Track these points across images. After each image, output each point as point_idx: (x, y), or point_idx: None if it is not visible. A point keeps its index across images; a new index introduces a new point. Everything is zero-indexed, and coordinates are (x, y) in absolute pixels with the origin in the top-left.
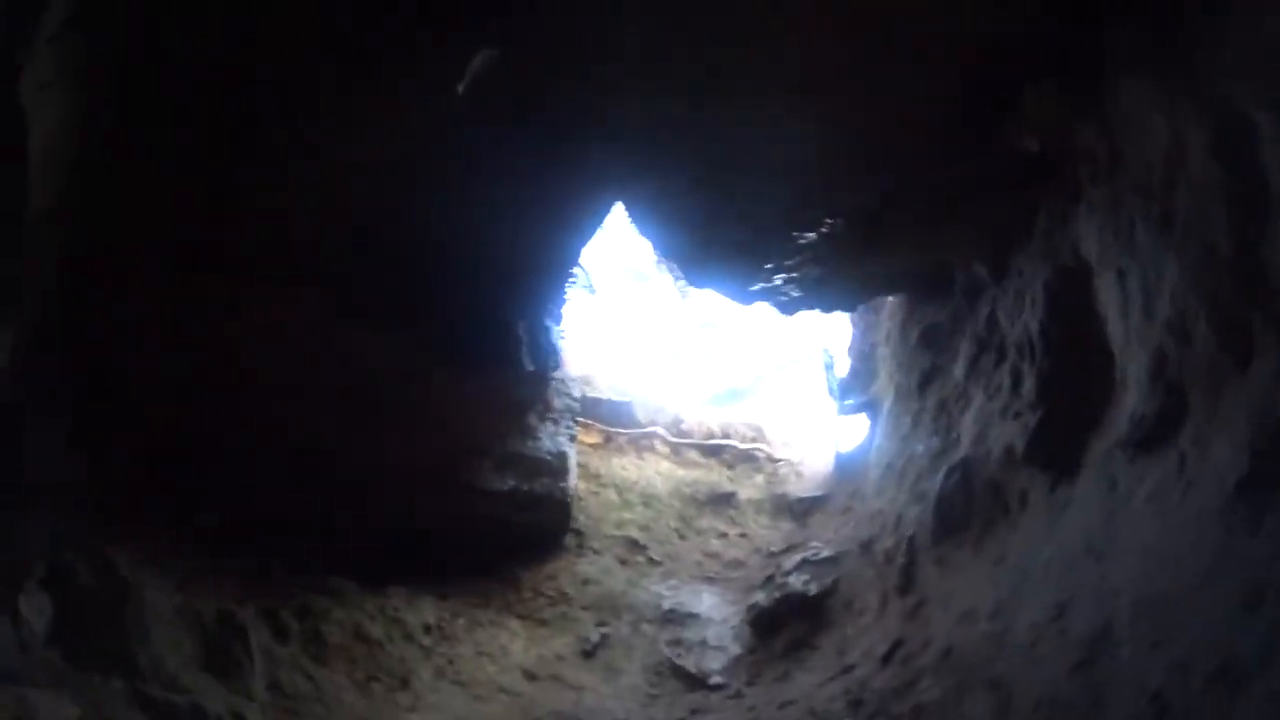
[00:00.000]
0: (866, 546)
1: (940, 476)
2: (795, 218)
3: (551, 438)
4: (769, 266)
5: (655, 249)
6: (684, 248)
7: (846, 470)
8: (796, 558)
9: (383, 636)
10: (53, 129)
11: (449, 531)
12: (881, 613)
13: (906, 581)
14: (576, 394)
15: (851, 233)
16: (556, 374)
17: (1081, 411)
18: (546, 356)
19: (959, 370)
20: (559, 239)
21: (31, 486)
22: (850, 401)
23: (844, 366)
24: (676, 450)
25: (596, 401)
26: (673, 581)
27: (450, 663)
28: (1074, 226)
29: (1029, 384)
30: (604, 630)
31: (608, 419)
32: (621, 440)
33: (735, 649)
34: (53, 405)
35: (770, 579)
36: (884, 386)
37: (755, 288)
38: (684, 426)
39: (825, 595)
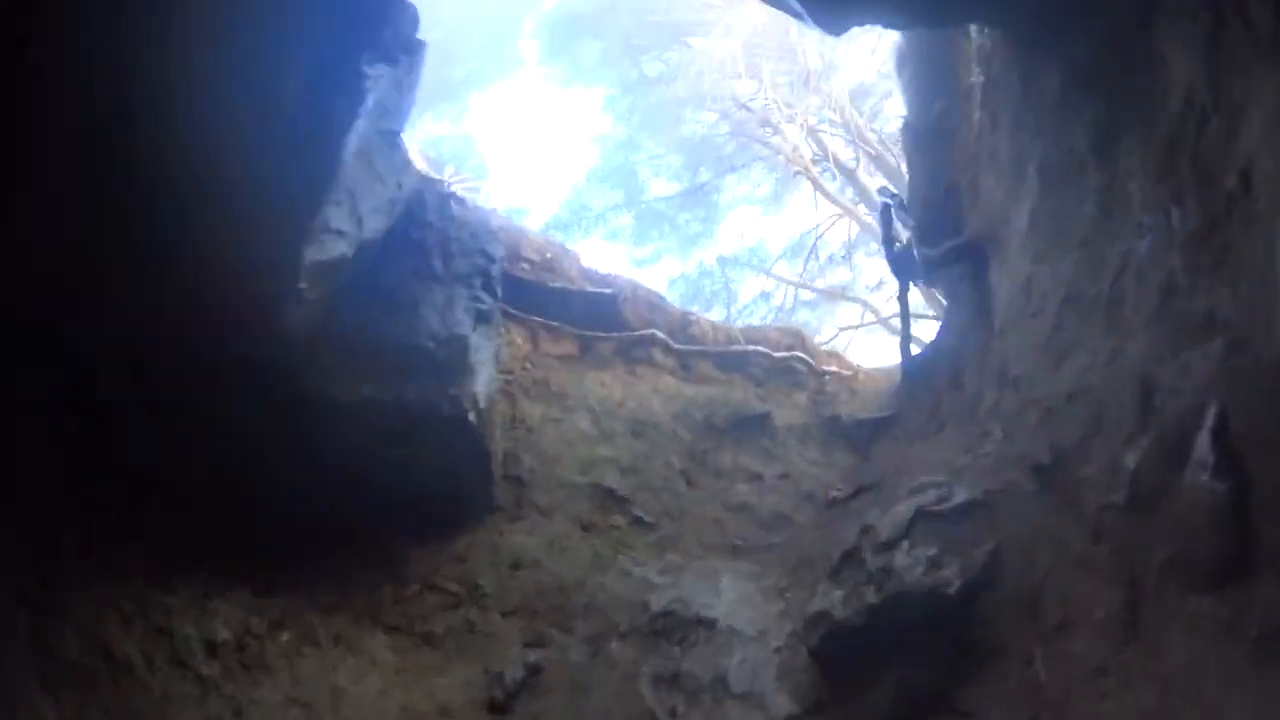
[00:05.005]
0: (1053, 473)
1: None
2: None
3: (440, 311)
4: None
5: None
6: None
7: (921, 380)
8: (906, 508)
9: (137, 657)
10: None
11: (265, 463)
12: (1132, 634)
13: (1237, 544)
14: (495, 251)
15: None
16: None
17: None
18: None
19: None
20: None
21: None
22: (935, 250)
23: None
24: (685, 362)
25: (565, 294)
26: (672, 557)
27: (236, 713)
28: None
29: None
30: (536, 656)
31: (582, 319)
32: (604, 349)
33: (783, 707)
34: None
35: (852, 557)
36: (998, 203)
37: None
38: (693, 330)
39: (977, 590)
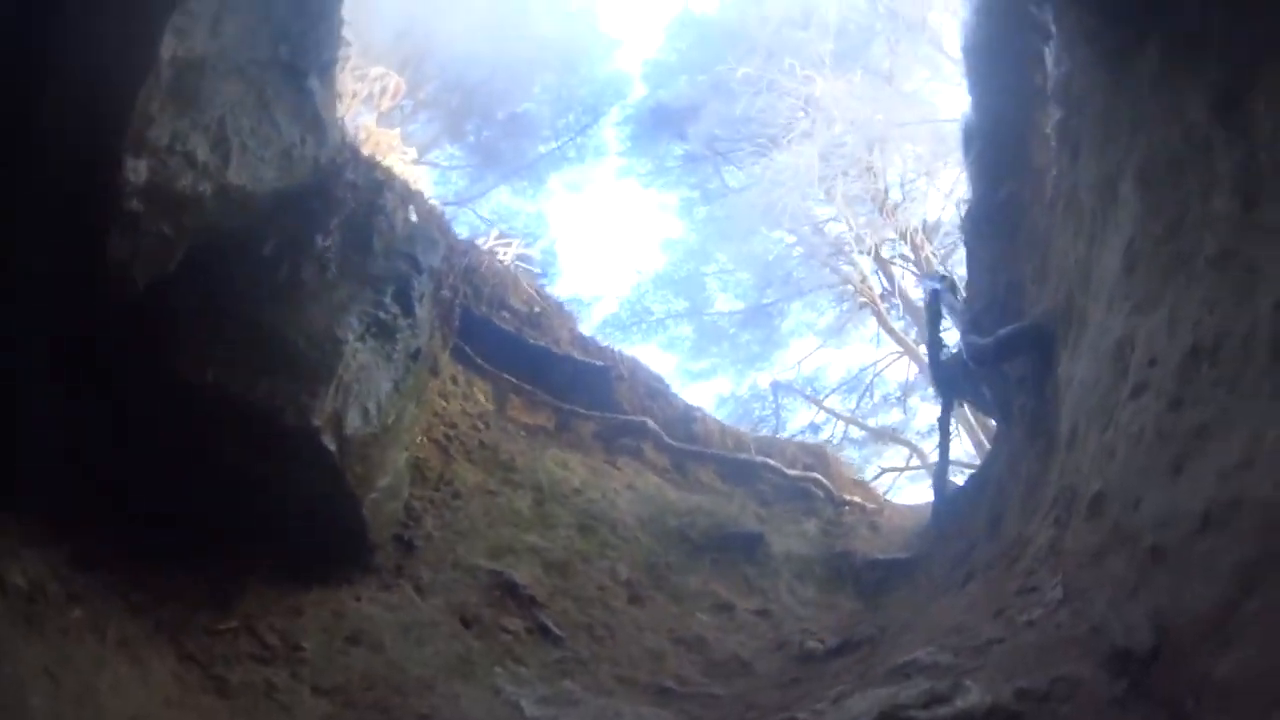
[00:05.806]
0: (1153, 667)
1: None
2: None
3: (328, 307)
4: None
5: None
6: None
7: (954, 520)
8: (867, 702)
9: None
10: None
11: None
12: None
13: None
14: (428, 261)
15: None
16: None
17: None
18: None
19: None
20: None
21: None
22: (989, 339)
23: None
24: (679, 463)
25: (548, 357)
26: (569, 686)
27: None
28: None
29: None
30: None
31: (564, 389)
32: (584, 429)
33: None
34: None
35: None
36: (1076, 261)
37: None
38: (697, 429)
39: None
